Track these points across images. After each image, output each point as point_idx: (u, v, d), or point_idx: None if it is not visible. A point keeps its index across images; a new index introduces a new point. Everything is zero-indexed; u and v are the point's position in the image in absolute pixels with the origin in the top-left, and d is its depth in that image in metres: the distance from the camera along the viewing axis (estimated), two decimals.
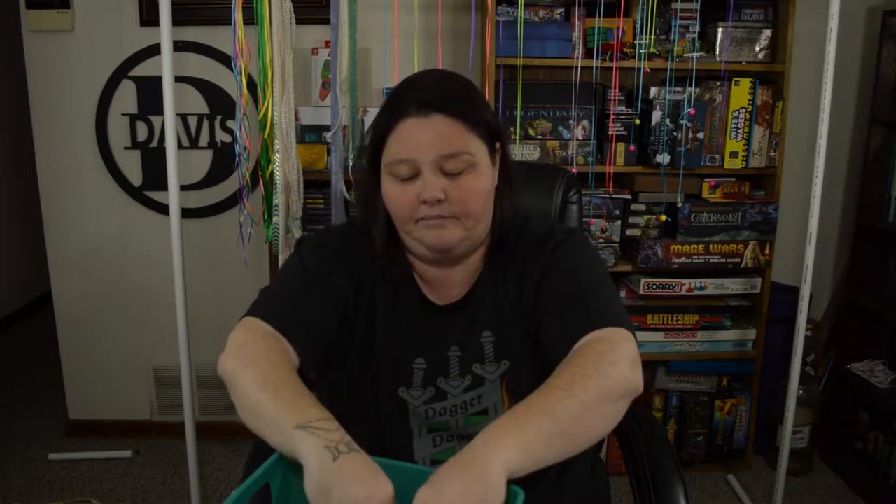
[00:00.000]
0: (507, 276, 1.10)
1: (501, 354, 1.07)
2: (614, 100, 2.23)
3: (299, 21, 1.92)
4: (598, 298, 1.01)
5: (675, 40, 2.27)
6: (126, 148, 2.54)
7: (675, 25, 2.26)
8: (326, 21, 1.93)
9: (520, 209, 1.13)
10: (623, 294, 2.42)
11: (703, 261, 2.33)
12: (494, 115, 1.08)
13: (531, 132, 2.26)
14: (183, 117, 2.51)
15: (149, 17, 2.42)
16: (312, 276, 1.07)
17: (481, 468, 0.78)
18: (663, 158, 2.23)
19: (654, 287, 2.35)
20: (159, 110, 2.14)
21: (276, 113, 1.89)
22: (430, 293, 1.11)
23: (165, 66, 1.88)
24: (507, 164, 1.09)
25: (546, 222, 1.16)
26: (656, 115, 2.22)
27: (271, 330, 0.99)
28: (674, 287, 2.36)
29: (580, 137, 2.27)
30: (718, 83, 2.27)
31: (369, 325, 1.09)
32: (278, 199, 1.94)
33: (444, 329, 1.09)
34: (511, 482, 0.80)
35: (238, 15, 1.85)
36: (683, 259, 2.32)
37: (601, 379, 0.87)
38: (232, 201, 2.56)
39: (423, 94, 1.00)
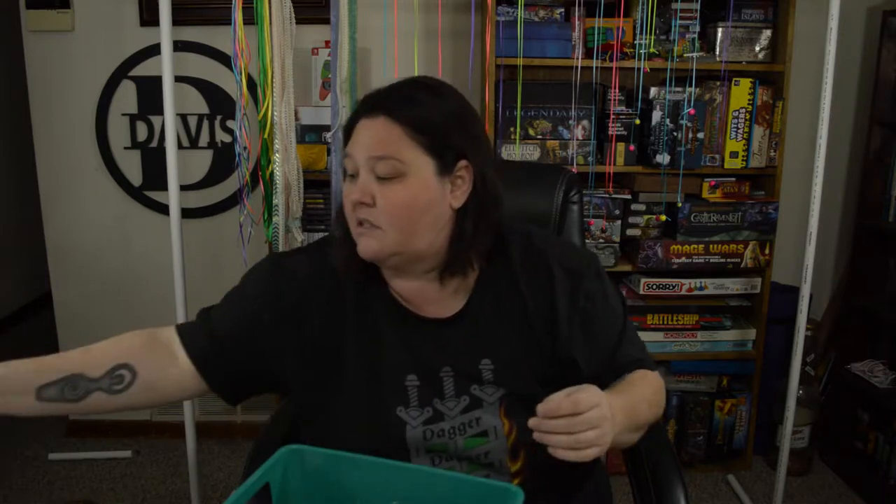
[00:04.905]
0: (512, 296, 1.05)
1: (501, 381, 1.02)
2: (614, 100, 2.23)
3: (299, 21, 1.92)
4: (629, 339, 1.09)
5: (675, 40, 2.27)
6: (126, 148, 2.54)
7: (675, 25, 2.26)
8: (326, 21, 1.93)
9: (514, 222, 1.09)
10: (623, 294, 2.42)
11: (703, 261, 2.33)
12: (468, 134, 1.00)
13: (531, 132, 2.26)
14: (183, 117, 2.51)
15: (149, 17, 2.42)
16: (250, 324, 1.05)
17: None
18: (663, 158, 2.23)
19: (654, 287, 2.35)
20: (159, 110, 2.14)
21: (276, 113, 1.89)
22: (409, 306, 1.06)
23: (165, 66, 1.89)
24: (481, 186, 1.01)
25: (560, 243, 1.13)
26: (656, 115, 2.22)
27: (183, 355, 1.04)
28: (674, 287, 2.36)
29: (580, 137, 2.27)
30: (718, 83, 2.27)
31: (354, 348, 1.04)
32: (278, 199, 1.94)
33: (431, 344, 1.04)
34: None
35: (238, 15, 1.85)
36: (683, 259, 2.32)
37: (659, 413, 1.06)
38: (232, 201, 2.56)
39: (378, 95, 1.00)
